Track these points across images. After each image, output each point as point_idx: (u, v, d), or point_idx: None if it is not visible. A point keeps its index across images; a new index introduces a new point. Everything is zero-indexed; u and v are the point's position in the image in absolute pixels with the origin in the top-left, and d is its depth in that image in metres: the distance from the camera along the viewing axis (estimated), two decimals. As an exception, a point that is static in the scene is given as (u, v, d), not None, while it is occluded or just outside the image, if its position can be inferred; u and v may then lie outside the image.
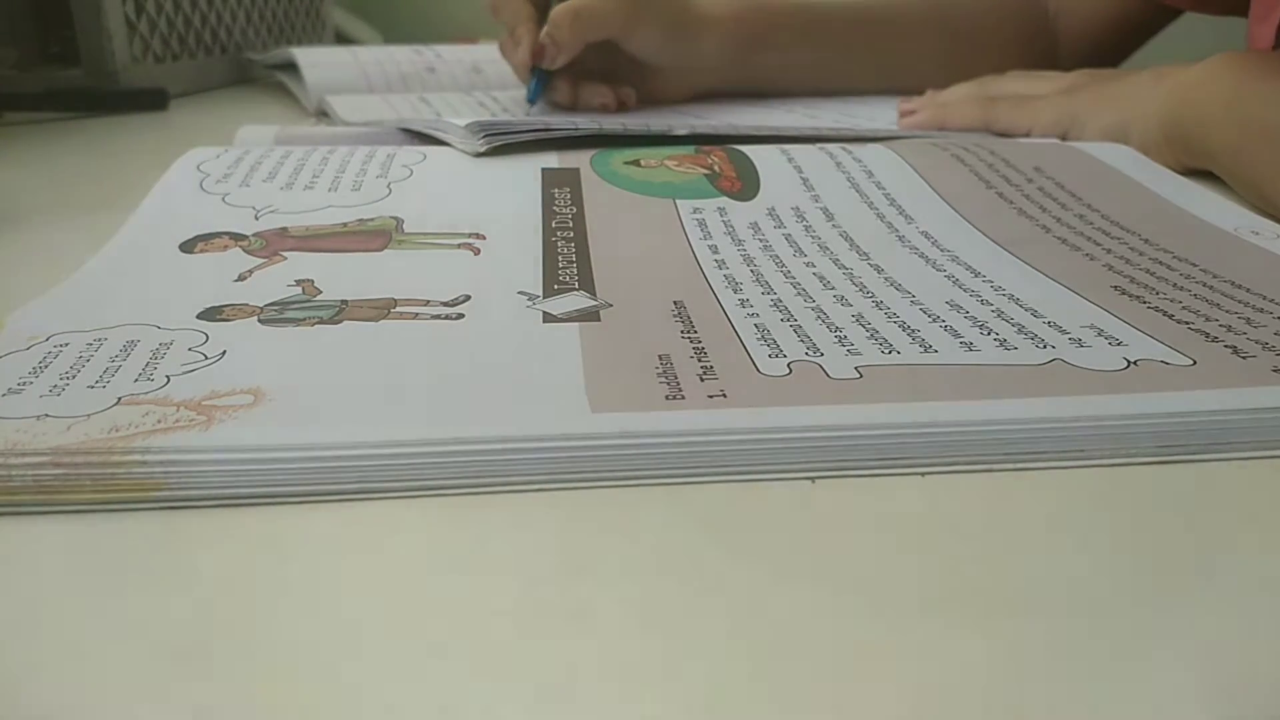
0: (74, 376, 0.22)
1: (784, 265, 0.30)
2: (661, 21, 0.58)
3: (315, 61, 0.66)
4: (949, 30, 0.65)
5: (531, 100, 0.59)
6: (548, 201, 0.35)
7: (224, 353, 0.23)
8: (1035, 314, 0.26)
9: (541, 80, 0.58)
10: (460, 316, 0.26)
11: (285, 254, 0.30)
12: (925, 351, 0.24)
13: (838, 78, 0.63)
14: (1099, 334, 0.25)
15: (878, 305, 0.27)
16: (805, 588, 0.16)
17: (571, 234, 0.32)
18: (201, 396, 0.21)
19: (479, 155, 0.40)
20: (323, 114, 0.61)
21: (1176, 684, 0.14)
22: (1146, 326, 0.25)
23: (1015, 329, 0.25)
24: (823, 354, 0.23)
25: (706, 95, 0.62)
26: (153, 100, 0.64)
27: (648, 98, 0.61)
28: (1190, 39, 0.65)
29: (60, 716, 0.14)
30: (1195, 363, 0.23)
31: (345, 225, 0.33)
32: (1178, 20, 0.64)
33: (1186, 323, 0.25)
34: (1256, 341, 0.24)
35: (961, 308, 0.26)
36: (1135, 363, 0.23)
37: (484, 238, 0.32)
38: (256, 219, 0.33)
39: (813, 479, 0.20)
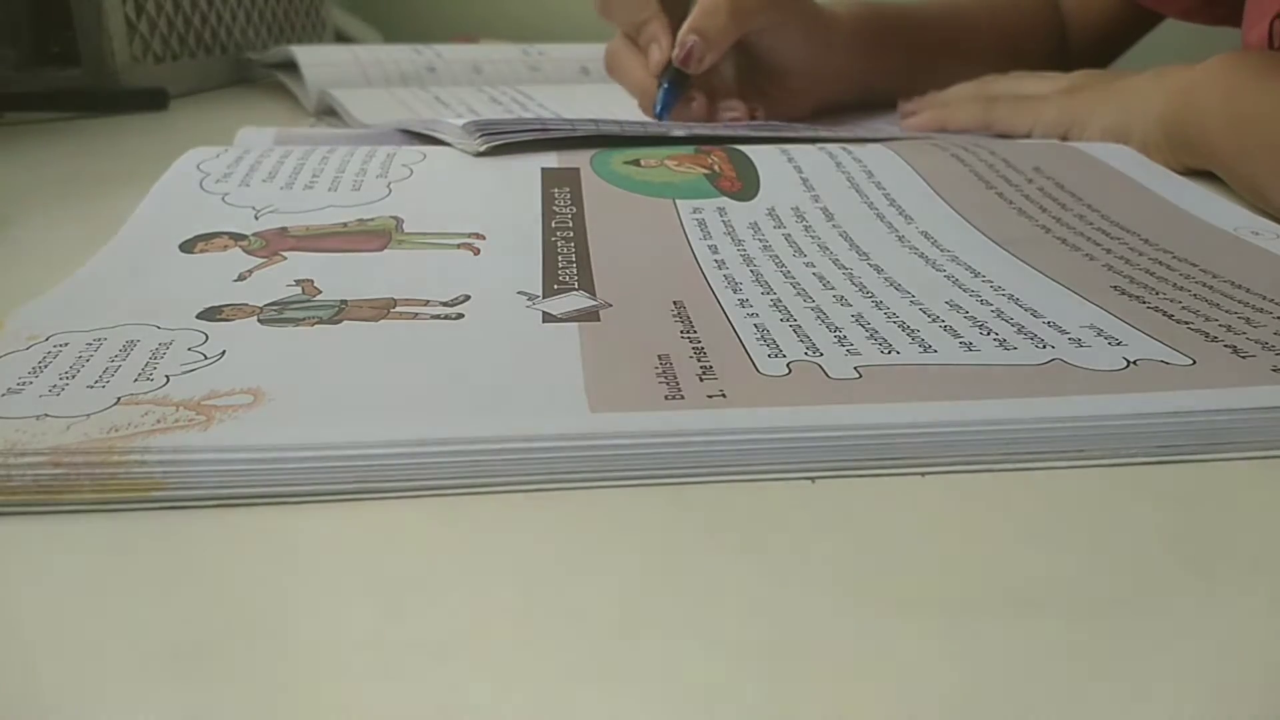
0: (73, 376, 0.22)
1: (784, 265, 0.30)
2: (803, 13, 0.53)
3: (315, 60, 0.66)
4: (1003, 32, 0.64)
5: (661, 114, 0.49)
6: (547, 201, 0.35)
7: (224, 353, 0.23)
8: (1035, 314, 0.26)
9: (674, 89, 0.50)
10: (460, 316, 0.26)
11: (285, 254, 0.30)
12: (925, 351, 0.24)
13: (928, 83, 0.58)
14: (1099, 334, 0.25)
15: (877, 305, 0.27)
16: (805, 588, 0.16)
17: (571, 234, 0.32)
18: (201, 396, 0.21)
19: (478, 155, 0.40)
20: (325, 112, 0.61)
21: (1176, 684, 0.14)
22: (1146, 326, 0.25)
23: (1015, 329, 0.25)
24: (822, 354, 0.23)
25: (824, 109, 0.56)
26: (153, 100, 0.64)
27: (774, 110, 0.53)
28: (1190, 40, 0.65)
29: (60, 716, 0.14)
30: (1195, 362, 0.23)
31: (345, 225, 0.33)
32: (1179, 21, 0.64)
33: (1186, 323, 0.25)
34: (1256, 341, 0.24)
35: (961, 308, 0.26)
36: (1135, 363, 0.23)
37: (484, 238, 0.32)
38: (256, 219, 0.33)
39: (813, 479, 0.20)
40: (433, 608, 0.16)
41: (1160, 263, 0.30)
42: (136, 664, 0.15)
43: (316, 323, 0.25)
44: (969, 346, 0.24)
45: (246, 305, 0.26)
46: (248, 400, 0.21)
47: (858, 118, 0.57)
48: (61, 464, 0.18)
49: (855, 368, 0.23)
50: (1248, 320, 0.25)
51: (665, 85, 0.50)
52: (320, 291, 0.27)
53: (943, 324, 0.25)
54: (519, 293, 0.28)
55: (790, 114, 0.54)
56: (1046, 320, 0.25)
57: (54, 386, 0.21)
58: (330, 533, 0.18)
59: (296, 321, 0.25)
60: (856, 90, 0.58)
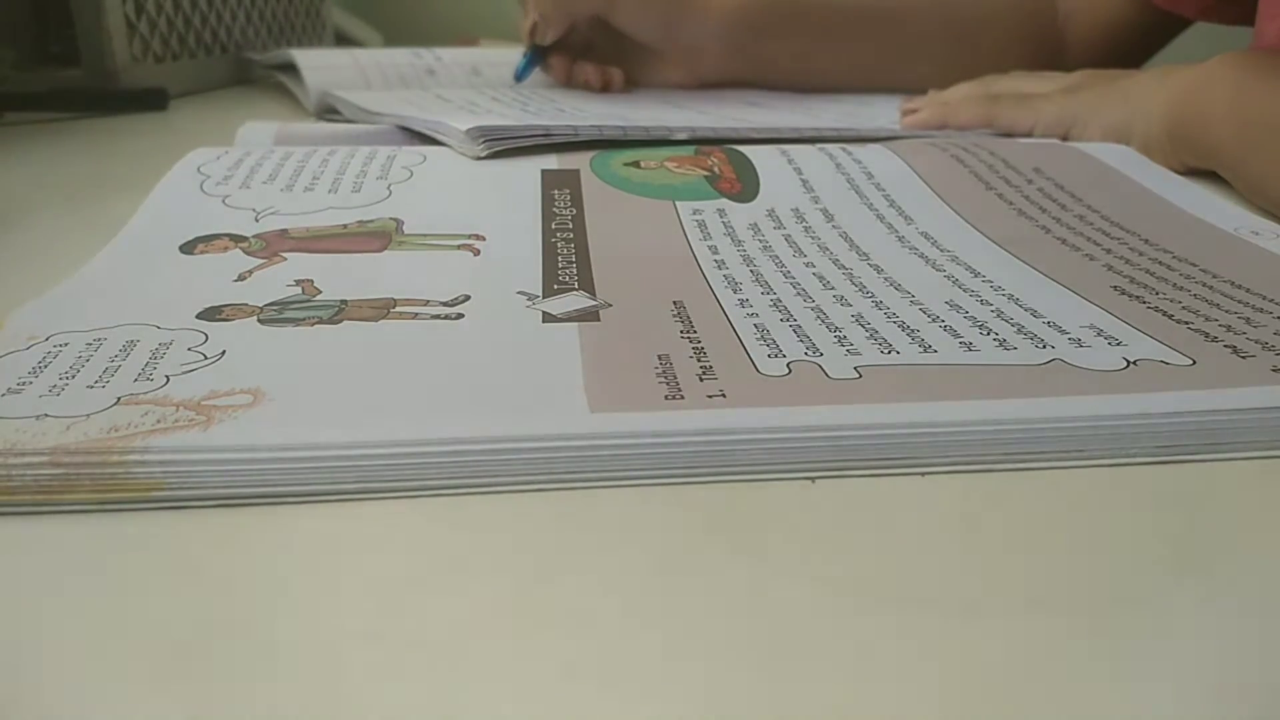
0: (73, 376, 0.22)
1: (783, 265, 0.30)
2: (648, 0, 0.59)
3: (315, 64, 0.66)
4: (953, 29, 0.64)
5: (518, 77, 0.61)
6: (547, 202, 0.35)
7: (223, 353, 0.23)
8: (1035, 314, 0.26)
9: (534, 58, 0.60)
10: (460, 316, 0.26)
11: (285, 255, 0.30)
12: (925, 351, 0.24)
13: (840, 71, 0.63)
14: (1099, 334, 0.25)
15: (877, 305, 0.27)
16: (805, 587, 0.16)
17: (571, 234, 0.32)
18: (201, 396, 0.21)
19: (479, 158, 0.40)
20: (325, 114, 0.61)
21: (1176, 684, 0.14)
22: (1146, 326, 0.25)
23: (1015, 329, 0.25)
24: (822, 354, 0.23)
25: (714, 84, 0.63)
26: (153, 100, 0.64)
27: (652, 81, 0.62)
28: (1193, 40, 0.65)
29: (60, 716, 0.14)
30: (1195, 362, 0.23)
31: (345, 227, 0.33)
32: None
33: (1186, 322, 0.25)
34: (1256, 341, 0.24)
35: (961, 308, 0.26)
36: (1135, 363, 0.23)
37: (484, 238, 0.32)
38: (257, 221, 0.33)
39: (813, 479, 0.20)
40: (432, 608, 0.16)
41: (1160, 263, 0.30)
42: (136, 664, 0.15)
43: (316, 323, 0.25)
44: (969, 346, 0.24)
45: (246, 305, 0.26)
46: (248, 400, 0.21)
47: (857, 112, 0.57)
48: (61, 464, 0.18)
49: (855, 368, 0.23)
50: (1248, 320, 0.25)
51: (526, 54, 0.60)
52: (320, 291, 0.27)
53: (943, 324, 0.25)
54: (519, 293, 0.28)
55: (663, 84, 0.62)
56: (1046, 320, 0.25)
57: (54, 386, 0.21)
58: (330, 533, 0.18)
59: (296, 321, 0.25)
60: (743, 71, 0.62)
